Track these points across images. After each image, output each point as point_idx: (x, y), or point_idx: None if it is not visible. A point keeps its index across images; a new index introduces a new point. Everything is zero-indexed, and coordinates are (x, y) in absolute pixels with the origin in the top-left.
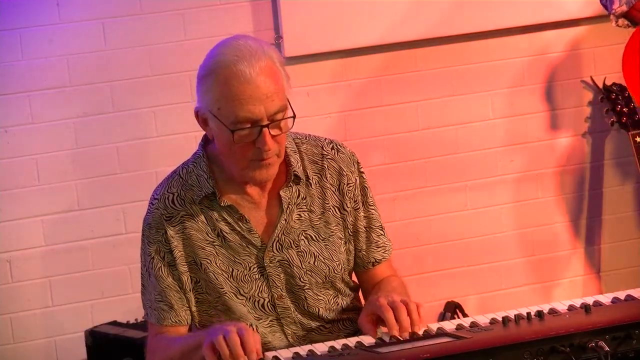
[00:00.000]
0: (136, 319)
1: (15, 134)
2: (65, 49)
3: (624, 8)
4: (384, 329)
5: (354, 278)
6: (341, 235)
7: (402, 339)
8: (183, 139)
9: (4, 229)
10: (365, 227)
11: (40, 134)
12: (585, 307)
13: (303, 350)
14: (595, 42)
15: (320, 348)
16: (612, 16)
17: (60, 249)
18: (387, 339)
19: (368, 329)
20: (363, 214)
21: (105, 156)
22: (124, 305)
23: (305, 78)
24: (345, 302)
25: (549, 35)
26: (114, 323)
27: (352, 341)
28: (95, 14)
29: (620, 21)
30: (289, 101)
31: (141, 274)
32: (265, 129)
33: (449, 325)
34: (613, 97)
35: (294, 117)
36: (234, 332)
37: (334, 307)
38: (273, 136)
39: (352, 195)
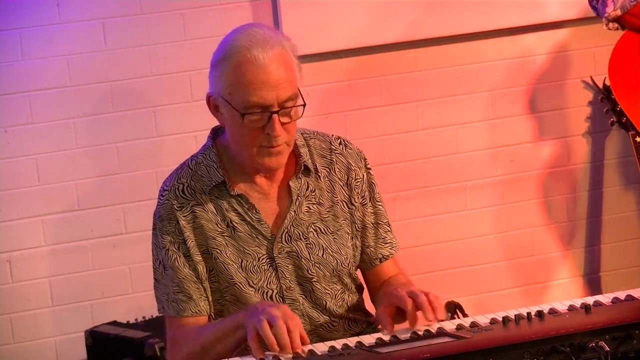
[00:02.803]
0: (136, 319)
1: (15, 134)
2: (65, 49)
3: (618, 12)
4: (405, 328)
5: (360, 279)
6: (349, 230)
7: (402, 339)
8: (183, 139)
9: (4, 229)
10: (372, 223)
11: (40, 134)
12: (585, 307)
13: (303, 350)
14: (595, 42)
15: (320, 348)
16: (604, 19)
17: (60, 249)
18: (387, 339)
19: (385, 322)
20: (370, 209)
21: (105, 156)
22: (124, 305)
23: (305, 78)
24: (351, 300)
25: (549, 35)
26: (114, 323)
27: (352, 341)
28: (95, 14)
29: (611, 24)
30: (300, 91)
31: (154, 268)
32: (275, 115)
33: (449, 325)
34: (613, 97)
35: (304, 105)
36: (280, 318)
37: (341, 302)
38: (283, 124)
39: (359, 190)
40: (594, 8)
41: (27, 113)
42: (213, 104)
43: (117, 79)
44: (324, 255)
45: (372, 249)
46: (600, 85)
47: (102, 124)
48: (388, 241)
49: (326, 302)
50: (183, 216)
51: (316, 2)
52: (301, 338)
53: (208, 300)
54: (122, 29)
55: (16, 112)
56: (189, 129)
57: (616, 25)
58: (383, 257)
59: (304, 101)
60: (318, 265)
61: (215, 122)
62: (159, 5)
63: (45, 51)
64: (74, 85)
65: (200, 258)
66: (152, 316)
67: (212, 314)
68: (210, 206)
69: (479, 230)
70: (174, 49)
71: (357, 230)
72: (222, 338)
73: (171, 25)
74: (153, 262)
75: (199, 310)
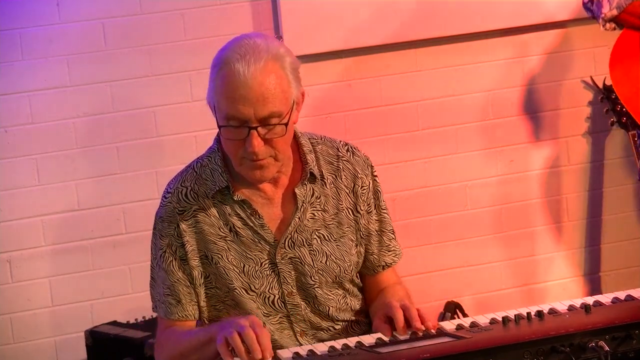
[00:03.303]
0: (136, 319)
1: (15, 134)
2: (65, 49)
3: (614, 12)
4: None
5: None
6: (353, 237)
7: (402, 339)
8: (183, 139)
9: (4, 229)
10: (377, 231)
11: (40, 134)
12: (585, 307)
13: (303, 350)
14: (595, 42)
15: (320, 348)
16: (600, 19)
17: (60, 249)
18: (387, 339)
19: (383, 329)
20: (375, 217)
21: (105, 156)
22: (124, 305)
23: (305, 78)
24: (353, 303)
25: (549, 35)
26: (114, 323)
27: (352, 341)
28: (95, 14)
29: (608, 25)
30: (294, 106)
31: (151, 267)
32: (253, 131)
33: (449, 325)
34: (613, 97)
35: (286, 124)
36: (248, 327)
37: (344, 307)
38: (266, 139)
39: (365, 198)
40: (589, 10)
41: (27, 113)
42: (211, 108)
43: (117, 79)
44: (327, 262)
45: (375, 256)
46: (600, 85)
47: (102, 124)
48: (392, 249)
49: (329, 308)
50: (184, 220)
51: (316, 2)
52: (264, 346)
53: (198, 305)
54: (122, 29)
55: (16, 112)
56: (189, 129)
57: (613, 25)
58: (386, 265)
59: (288, 120)
60: (321, 272)
61: (214, 122)
62: (159, 5)
63: (45, 51)
64: (74, 85)
65: (197, 263)
66: (152, 316)
67: (205, 319)
68: (213, 210)
69: (479, 230)
70: (174, 49)
71: (361, 237)
72: (197, 349)
73: (171, 25)
74: (151, 261)
75: (186, 315)
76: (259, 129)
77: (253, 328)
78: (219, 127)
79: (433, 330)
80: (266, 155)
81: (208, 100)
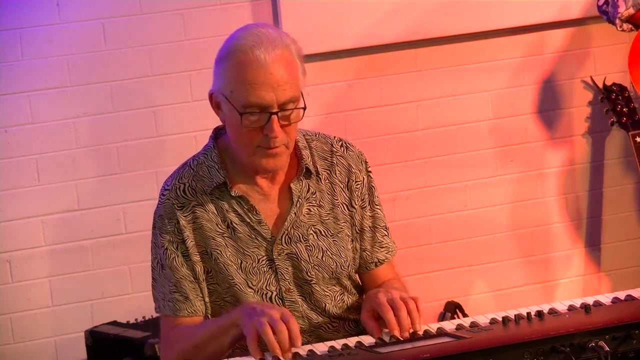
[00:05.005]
0: (136, 319)
1: (15, 134)
2: (65, 49)
3: (631, 11)
4: (385, 330)
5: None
6: (349, 233)
7: (402, 339)
8: (183, 139)
9: (4, 229)
10: (370, 227)
11: (40, 134)
12: (585, 307)
13: (303, 350)
14: (595, 42)
15: (320, 348)
16: (617, 20)
17: (60, 249)
18: (387, 339)
19: (371, 327)
20: (369, 213)
21: (105, 156)
22: (124, 305)
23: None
24: (351, 301)
25: (549, 35)
26: (114, 323)
27: (352, 341)
28: (95, 14)
29: (625, 25)
30: (302, 94)
31: (152, 267)
32: (274, 117)
33: (449, 325)
34: (613, 97)
35: (304, 108)
36: (280, 321)
37: (340, 304)
38: (282, 126)
39: (359, 193)
40: (604, 12)
41: (27, 113)
42: (215, 102)
43: (117, 79)
44: (324, 258)
45: (368, 252)
46: (600, 85)
47: (102, 124)
48: (384, 245)
49: (325, 304)
50: (183, 216)
51: (316, 2)
52: (296, 337)
53: (204, 300)
54: (122, 29)
55: (16, 112)
56: (189, 129)
57: (630, 26)
58: (379, 262)
59: (304, 104)
60: (317, 268)
61: (215, 122)
62: (159, 5)
63: (45, 51)
64: (74, 85)
65: (199, 258)
66: (152, 316)
67: (209, 315)
68: (211, 207)
69: (478, 231)
70: (174, 49)
71: (356, 232)
72: (216, 336)
73: (171, 25)
74: (151, 261)
75: (194, 311)
76: (279, 114)
77: (285, 321)
78: (240, 114)
79: (420, 333)
80: (281, 143)
81: (216, 91)
